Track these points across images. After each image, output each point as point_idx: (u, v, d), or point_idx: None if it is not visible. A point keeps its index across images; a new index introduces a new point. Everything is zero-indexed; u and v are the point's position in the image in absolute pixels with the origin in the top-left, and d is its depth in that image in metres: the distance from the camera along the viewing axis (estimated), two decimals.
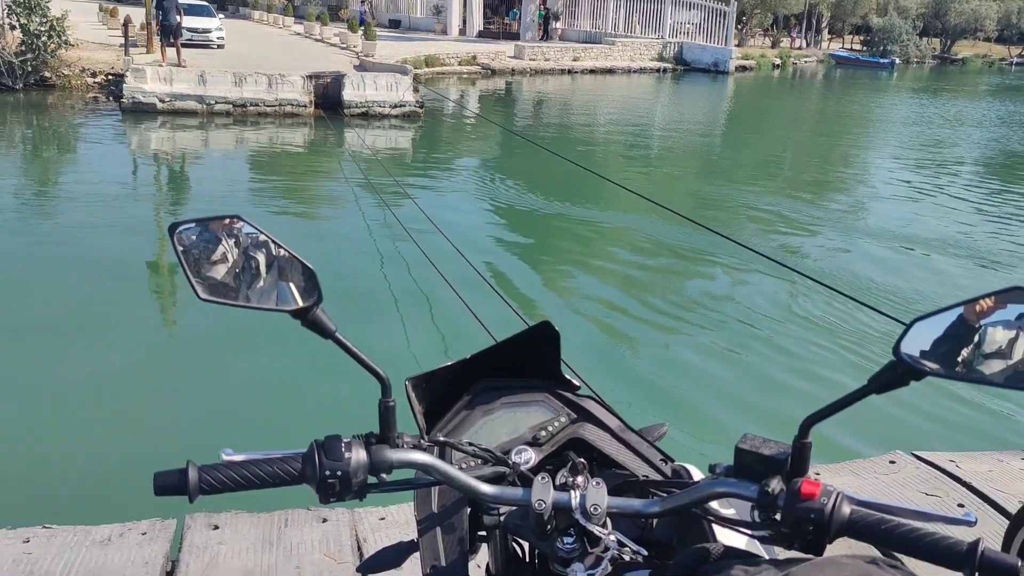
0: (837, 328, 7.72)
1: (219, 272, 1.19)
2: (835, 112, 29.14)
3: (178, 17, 19.62)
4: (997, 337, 1.03)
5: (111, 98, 19.67)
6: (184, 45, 26.42)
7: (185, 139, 16.96)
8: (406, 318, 7.48)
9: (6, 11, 20.25)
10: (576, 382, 1.43)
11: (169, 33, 19.63)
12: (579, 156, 13.95)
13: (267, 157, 16.07)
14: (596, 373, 4.94)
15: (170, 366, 6.52)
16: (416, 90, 19.96)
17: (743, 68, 40.53)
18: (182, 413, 5.71)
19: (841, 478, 3.57)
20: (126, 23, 20.60)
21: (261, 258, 1.20)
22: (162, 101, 18.03)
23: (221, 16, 28.22)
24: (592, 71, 35.59)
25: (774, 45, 53.51)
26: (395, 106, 19.24)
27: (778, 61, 46.29)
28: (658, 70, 37.99)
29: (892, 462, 3.78)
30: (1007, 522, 2.78)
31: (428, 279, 7.54)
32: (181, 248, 1.16)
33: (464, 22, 44.17)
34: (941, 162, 18.97)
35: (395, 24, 47.62)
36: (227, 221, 1.20)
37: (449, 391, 1.42)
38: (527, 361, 1.43)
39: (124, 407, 5.75)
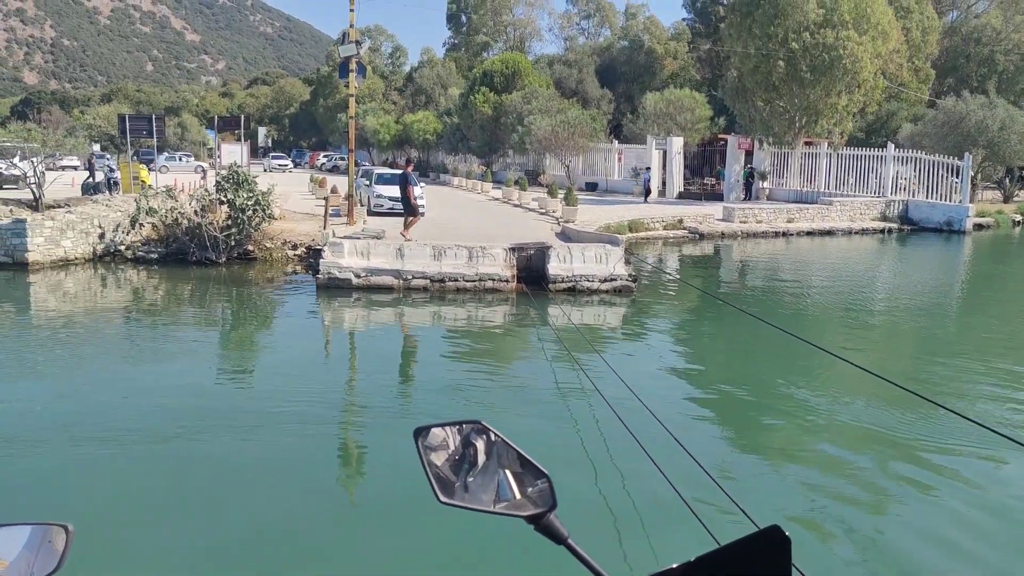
0: None
1: (458, 475, 1.27)
2: None
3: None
4: None
5: (310, 271, 18.93)
6: (387, 213, 26.22)
7: (379, 317, 15.58)
8: (617, 511, 6.86)
9: (216, 187, 20.29)
10: None
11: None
12: (806, 327, 14.36)
13: (465, 336, 14.32)
14: None
15: None
16: (628, 262, 17.92)
17: (979, 227, 36.28)
18: None
19: None
20: (326, 197, 20.08)
21: (499, 463, 1.27)
22: (358, 276, 16.92)
23: (422, 184, 27.99)
24: (809, 233, 32.70)
25: (1007, 200, 48.54)
26: (605, 280, 17.22)
27: (1018, 217, 41.49)
28: (882, 231, 34.53)
29: None
30: None
31: (637, 469, 7.22)
32: (424, 451, 1.27)
33: (664, 183, 42.79)
34: None
35: (592, 187, 47.04)
36: (468, 426, 1.31)
37: None
38: (754, 568, 1.32)
39: None
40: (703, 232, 30.10)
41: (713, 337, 15.07)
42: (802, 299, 19.05)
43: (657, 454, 6.66)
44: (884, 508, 7.41)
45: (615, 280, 17.26)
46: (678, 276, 21.34)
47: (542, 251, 17.87)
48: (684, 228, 30.16)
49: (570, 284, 17.20)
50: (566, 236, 21.70)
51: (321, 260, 17.23)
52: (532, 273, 17.66)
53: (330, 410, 9.83)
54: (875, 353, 13.82)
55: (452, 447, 1.28)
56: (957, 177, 37.06)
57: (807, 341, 7.69)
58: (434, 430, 1.30)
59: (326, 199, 20.22)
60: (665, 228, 29.84)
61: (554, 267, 17.36)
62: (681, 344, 14.65)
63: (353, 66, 21.22)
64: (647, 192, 40.25)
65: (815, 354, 10.23)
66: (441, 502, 1.24)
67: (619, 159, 47.90)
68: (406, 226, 19.06)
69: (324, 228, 19.48)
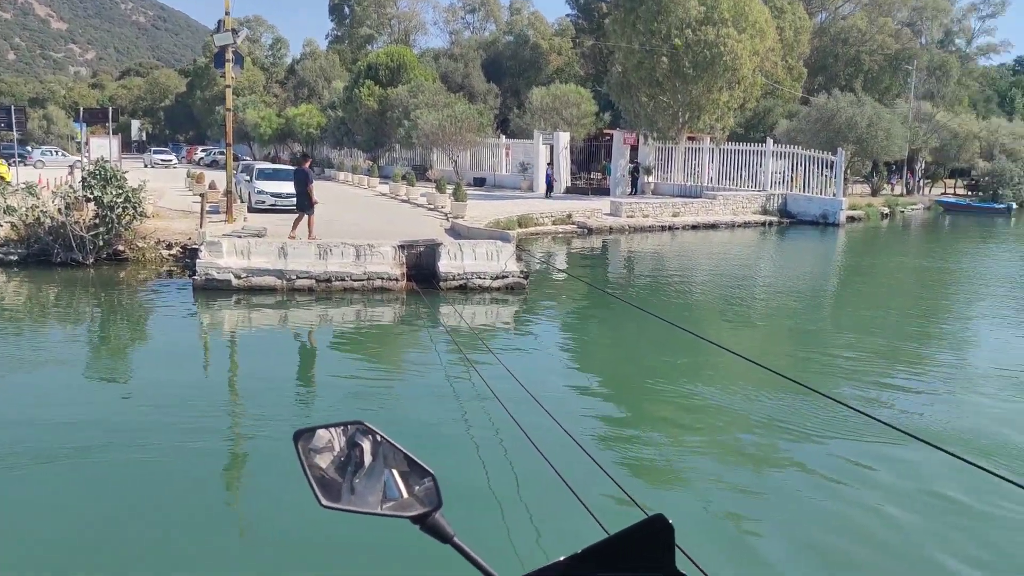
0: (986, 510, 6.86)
1: (340, 478, 1.26)
2: (972, 265, 25.87)
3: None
4: None
5: (186, 272, 17.93)
6: (269, 210, 25.19)
7: (262, 320, 14.83)
8: (506, 506, 6.82)
9: (82, 183, 18.98)
10: None
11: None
12: (691, 319, 14.69)
13: (352, 338, 13.77)
14: (720, 566, 4.11)
15: None
16: (520, 258, 17.68)
17: (852, 219, 37.84)
18: None
19: None
20: (203, 194, 19.05)
21: (383, 464, 1.27)
22: (238, 277, 16.09)
23: None
24: (694, 227, 33.33)
25: (874, 193, 50.92)
26: (497, 277, 16.93)
27: (886, 210, 43.54)
28: (763, 224, 35.57)
29: None
30: None
31: (528, 462, 7.14)
32: (304, 455, 1.25)
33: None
34: None
35: (480, 182, 46.75)
36: (350, 427, 1.29)
37: None
38: (640, 556, 1.36)
39: None
40: (591, 227, 30.24)
41: (603, 331, 14.99)
42: (688, 292, 19.29)
43: (550, 449, 6.55)
44: (768, 493, 7.53)
45: (507, 277, 16.99)
46: (568, 271, 21.28)
47: (432, 248, 17.43)
48: (573, 223, 30.23)
49: (461, 282, 16.83)
50: (456, 232, 21.32)
51: (198, 260, 16.30)
52: (422, 271, 17.20)
53: (209, 419, 9.16)
54: (757, 343, 14.06)
55: (337, 449, 1.26)
56: (830, 171, 38.50)
57: (693, 333, 7.79)
58: (318, 432, 1.27)
59: (203, 195, 19.16)
60: (554, 223, 29.83)
61: (445, 265, 16.96)
62: (572, 339, 14.52)
63: (230, 56, 20.22)
64: (550, 187, 40.23)
65: (701, 345, 10.41)
66: (323, 506, 1.22)
67: (507, 154, 47.80)
68: (308, 226, 18.19)
69: (201, 227, 18.48)
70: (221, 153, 60.62)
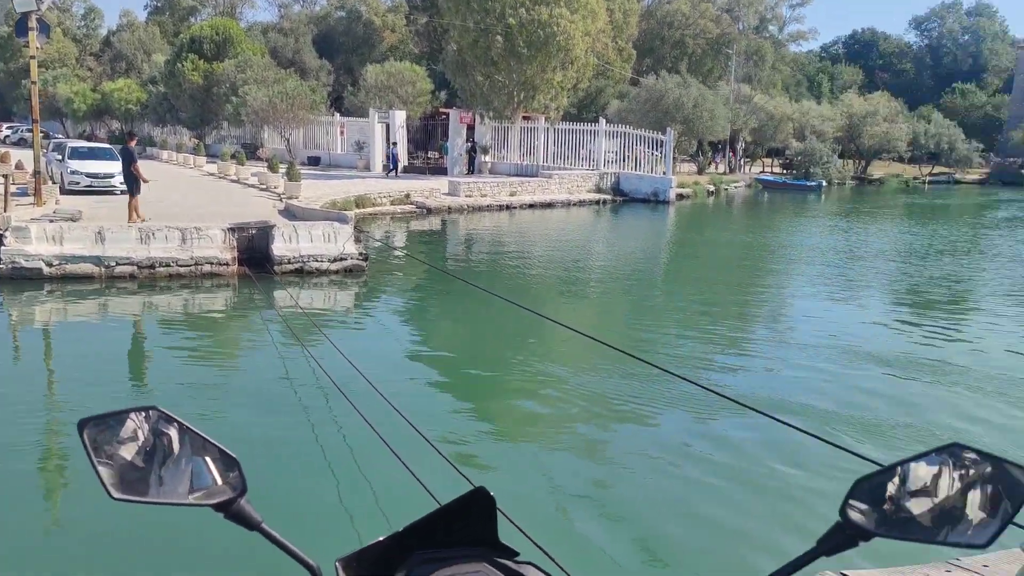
0: (807, 465, 7.26)
1: (134, 468, 1.18)
2: (788, 239, 27.52)
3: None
4: (939, 494, 1.11)
5: None
6: (84, 192, 23.49)
7: (79, 311, 13.79)
8: (342, 482, 6.76)
9: None
10: (515, 548, 1.40)
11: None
12: (536, 298, 14.79)
13: (180, 327, 13.02)
14: (542, 536, 3.93)
15: None
16: (358, 240, 17.26)
17: (680, 196, 39.43)
18: None
19: None
20: (6, 175, 17.48)
21: (180, 450, 1.20)
22: (50, 265, 14.89)
23: None
24: (531, 205, 33.74)
25: (700, 171, 53.27)
26: (335, 260, 16.47)
27: (712, 187, 45.65)
28: (597, 202, 36.46)
29: None
30: None
31: (363, 441, 7.10)
32: (91, 444, 1.17)
33: (387, 157, 42.34)
34: (904, 292, 17.15)
35: (314, 161, 45.53)
36: (142, 413, 1.21)
37: (384, 568, 1.36)
38: (464, 529, 1.39)
39: None
40: (430, 207, 30.03)
41: (443, 312, 14.90)
42: (527, 270, 19.49)
43: (387, 431, 6.54)
44: (602, 465, 7.67)
45: (345, 260, 16.57)
46: (408, 252, 21.03)
47: (265, 231, 16.75)
48: (411, 203, 29.92)
49: (297, 265, 16.28)
50: (291, 214, 20.60)
51: (3, 247, 14.96)
52: (255, 255, 16.51)
53: (24, 419, 8.40)
54: (595, 319, 14.43)
55: (142, 438, 1.19)
56: (660, 151, 39.92)
57: (532, 311, 7.91)
58: (101, 419, 1.20)
59: (6, 177, 17.57)
60: (392, 203, 29.42)
61: (279, 248, 16.33)
62: (412, 321, 14.34)
63: (33, 23, 18.57)
64: (394, 166, 39.63)
65: (541, 323, 10.54)
66: (113, 498, 1.15)
67: (341, 132, 46.73)
68: (133, 207, 17.04)
69: (5, 210, 16.95)
70: (29, 130, 56.06)
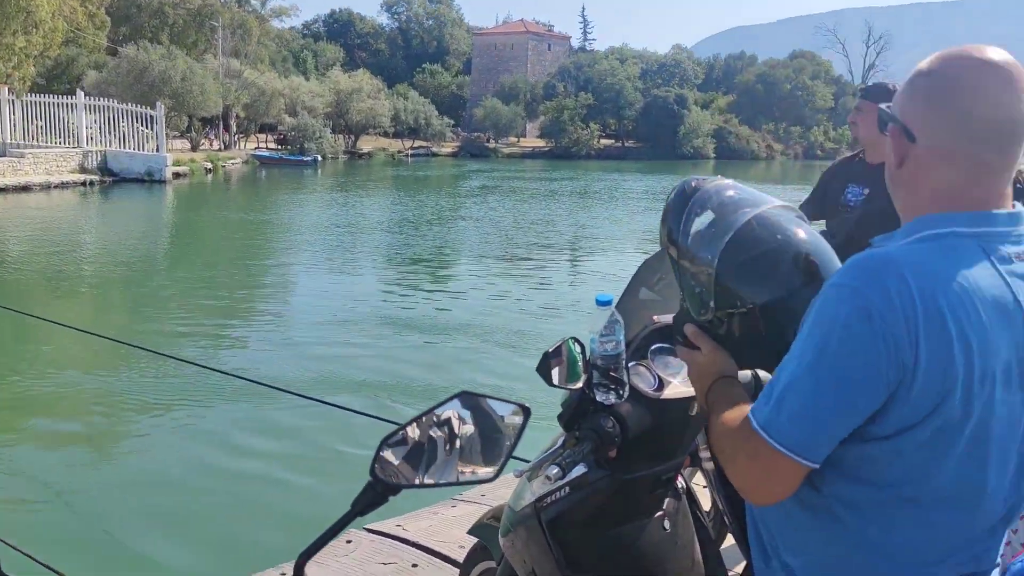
0: (345, 436, 7.29)
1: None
2: (291, 216, 27.76)
3: None
4: (455, 440, 1.24)
5: None
6: None
7: None
8: None
9: None
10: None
11: None
12: (25, 298, 13.52)
13: None
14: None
15: None
16: None
17: (177, 175, 37.62)
18: None
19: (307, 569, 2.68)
20: None
21: None
22: None
23: None
24: (2, 190, 29.45)
25: (194, 148, 51.29)
26: None
27: (209, 165, 44.18)
28: (84, 183, 33.13)
29: (349, 541, 3.83)
30: (456, 569, 2.96)
31: None
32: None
33: None
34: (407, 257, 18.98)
35: None
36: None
37: None
38: None
39: None
40: None
41: None
42: (8, 266, 17.09)
43: None
44: (114, 463, 7.37)
45: None
46: None
47: None
48: None
49: None
50: None
51: None
52: None
53: None
54: (98, 314, 13.30)
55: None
56: (150, 127, 37.52)
57: (23, 312, 7.23)
58: None
59: None
60: None
61: None
62: None
63: None
64: None
65: (36, 325, 9.26)
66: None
67: None
68: None
69: None
70: None
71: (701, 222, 1.48)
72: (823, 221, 3.77)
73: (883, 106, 1.33)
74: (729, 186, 1.56)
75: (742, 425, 1.27)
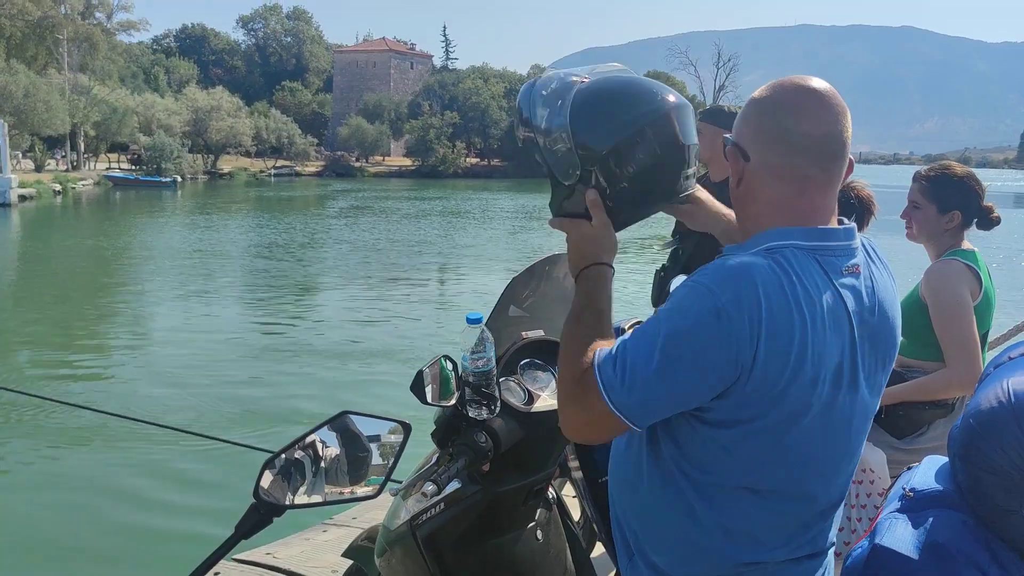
0: (228, 468, 6.88)
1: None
2: (150, 240, 26.14)
3: None
4: (336, 460, 1.26)
5: None
6: None
7: None
8: None
9: None
10: None
11: None
12: None
13: None
14: None
15: None
16: None
17: (23, 198, 35.11)
18: None
19: None
20: None
21: None
22: None
23: None
24: None
25: (39, 169, 48.12)
26: None
27: (58, 187, 41.46)
28: None
29: (217, 574, 3.51)
30: None
31: None
32: None
33: None
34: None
35: None
36: None
37: None
38: None
39: None
40: None
41: None
42: None
43: None
44: None
45: None
46: None
47: None
48: None
49: None
50: None
51: None
52: None
53: None
54: None
55: None
56: None
57: None
58: None
59: None
60: None
61: None
62: None
63: None
64: None
65: None
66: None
67: None
68: None
69: None
70: None
71: (548, 97, 1.48)
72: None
73: (726, 135, 1.44)
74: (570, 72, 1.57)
75: (586, 373, 1.33)
